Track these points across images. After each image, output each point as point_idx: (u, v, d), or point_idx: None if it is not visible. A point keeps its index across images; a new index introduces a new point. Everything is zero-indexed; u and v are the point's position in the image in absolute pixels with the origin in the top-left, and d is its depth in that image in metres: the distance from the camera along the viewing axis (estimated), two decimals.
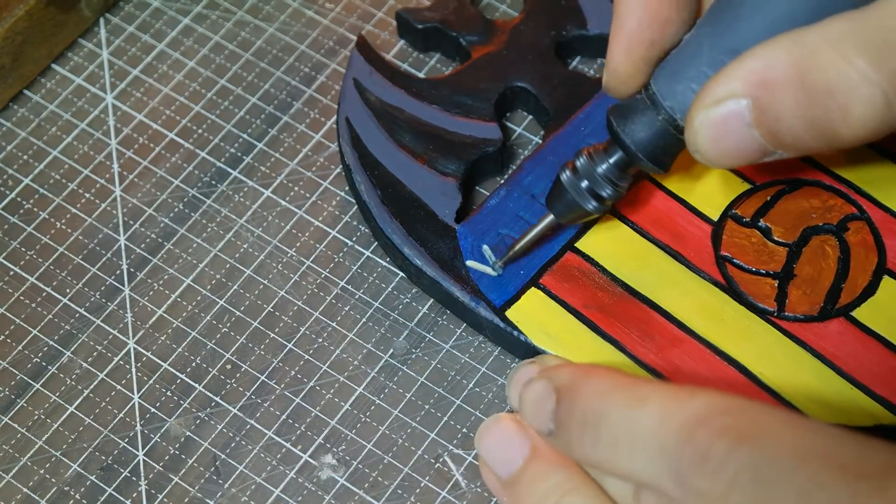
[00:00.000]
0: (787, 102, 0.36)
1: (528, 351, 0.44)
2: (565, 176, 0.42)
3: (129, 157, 0.50)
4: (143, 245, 0.48)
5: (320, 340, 0.46)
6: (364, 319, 0.47)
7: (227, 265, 0.48)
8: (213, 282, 0.47)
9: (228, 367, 0.46)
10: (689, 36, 0.40)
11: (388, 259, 0.48)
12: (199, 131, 0.51)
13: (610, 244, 0.45)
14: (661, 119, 0.40)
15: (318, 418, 0.45)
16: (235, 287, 0.47)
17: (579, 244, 0.45)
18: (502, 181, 0.47)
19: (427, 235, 0.46)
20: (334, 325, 0.46)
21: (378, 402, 0.45)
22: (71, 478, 0.44)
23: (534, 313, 0.44)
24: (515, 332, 0.44)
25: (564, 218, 0.43)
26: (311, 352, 0.46)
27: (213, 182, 0.49)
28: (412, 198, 0.46)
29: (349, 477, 0.44)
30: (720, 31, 0.38)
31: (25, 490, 0.44)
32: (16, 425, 0.45)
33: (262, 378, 0.46)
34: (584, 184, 0.42)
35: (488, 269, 0.45)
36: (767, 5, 0.37)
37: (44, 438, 0.45)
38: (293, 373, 0.46)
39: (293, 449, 0.44)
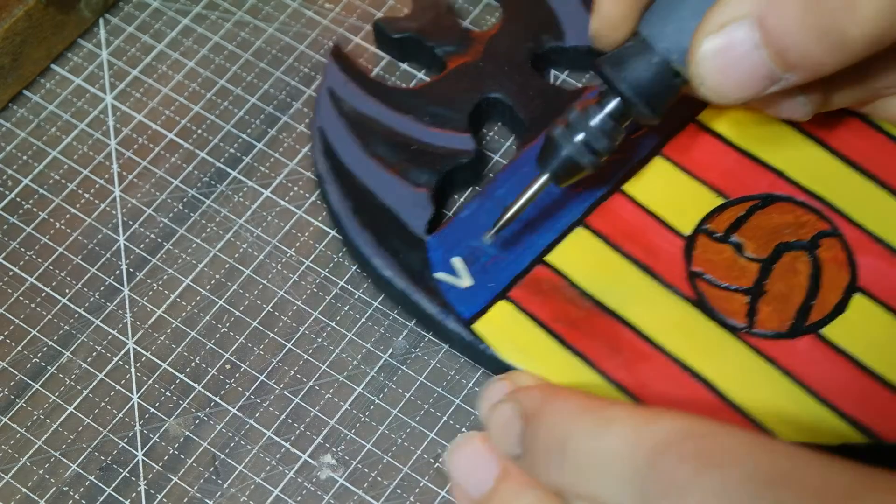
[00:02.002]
0: (794, 12, 0.35)
1: (496, 364, 0.43)
2: (558, 131, 0.42)
3: (129, 158, 0.50)
4: (142, 245, 0.48)
5: (319, 340, 0.46)
6: (363, 319, 0.47)
7: (227, 265, 0.48)
8: (213, 282, 0.47)
9: (228, 367, 0.46)
10: None
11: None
12: (199, 132, 0.51)
13: (581, 258, 0.45)
14: (655, 62, 0.40)
15: (317, 418, 0.45)
16: (235, 287, 0.47)
17: (549, 257, 0.45)
18: (476, 193, 0.47)
19: (397, 246, 0.45)
20: (333, 324, 0.46)
21: (377, 401, 0.45)
22: (70, 478, 0.44)
23: (502, 326, 0.43)
24: (483, 346, 0.43)
25: (559, 176, 0.42)
26: (310, 352, 0.46)
27: (213, 182, 0.49)
28: (383, 208, 0.46)
29: (348, 477, 0.44)
30: None
31: (25, 490, 0.44)
32: (15, 425, 0.45)
33: (262, 378, 0.46)
34: (579, 137, 0.41)
35: (458, 281, 0.44)
36: None
37: (43, 439, 0.45)
38: (292, 373, 0.46)
39: (292, 449, 0.44)
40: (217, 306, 0.47)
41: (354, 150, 0.47)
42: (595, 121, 0.41)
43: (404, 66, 0.52)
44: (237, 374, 0.46)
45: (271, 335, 0.46)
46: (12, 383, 0.46)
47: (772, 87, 0.37)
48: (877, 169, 0.46)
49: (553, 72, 0.51)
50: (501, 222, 0.43)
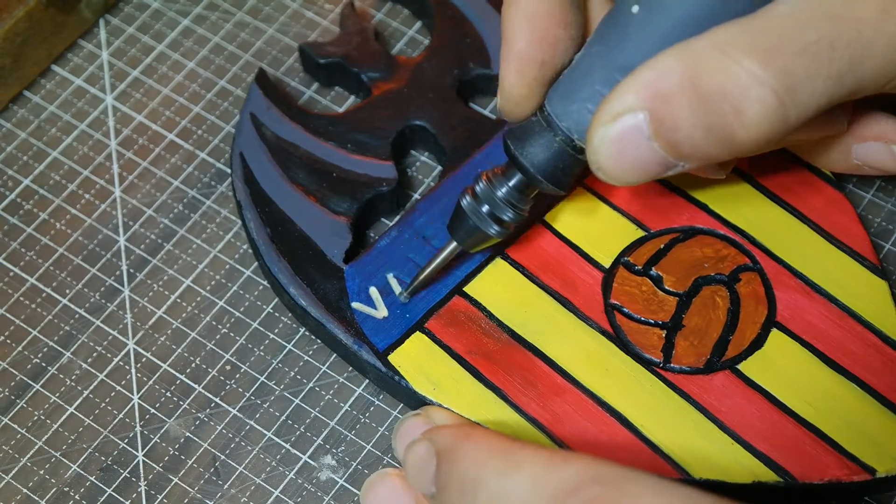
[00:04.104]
0: (683, 111, 0.36)
1: (411, 397, 0.43)
2: (466, 202, 0.42)
3: (129, 159, 0.50)
4: (142, 246, 0.48)
5: (319, 342, 0.46)
6: None
7: (227, 266, 0.48)
8: (213, 283, 0.47)
9: (228, 367, 0.46)
10: (579, 55, 0.40)
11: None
12: (199, 132, 0.51)
13: (499, 289, 0.44)
14: (558, 140, 0.40)
15: (317, 419, 0.45)
16: (235, 288, 0.47)
17: (468, 288, 0.44)
18: (394, 222, 0.47)
19: (314, 275, 0.45)
20: None
21: (377, 402, 0.45)
22: (71, 478, 0.44)
23: (417, 358, 0.43)
24: (397, 378, 0.43)
25: (467, 244, 0.42)
26: (310, 352, 0.46)
27: (213, 183, 0.50)
28: (302, 237, 0.45)
29: (348, 478, 0.44)
30: (610, 50, 0.38)
31: (25, 491, 0.44)
32: (16, 426, 0.45)
33: (262, 379, 0.46)
34: (485, 208, 0.41)
35: (374, 312, 0.44)
36: (654, 22, 0.37)
37: (43, 439, 0.45)
38: (293, 374, 0.46)
39: (292, 450, 0.44)
40: (217, 307, 0.47)
41: (274, 177, 0.47)
42: (500, 193, 0.41)
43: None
44: (237, 375, 0.46)
45: (271, 336, 0.46)
46: (13, 384, 0.46)
47: (668, 172, 0.38)
48: (798, 203, 0.45)
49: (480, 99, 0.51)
50: (414, 285, 0.44)
